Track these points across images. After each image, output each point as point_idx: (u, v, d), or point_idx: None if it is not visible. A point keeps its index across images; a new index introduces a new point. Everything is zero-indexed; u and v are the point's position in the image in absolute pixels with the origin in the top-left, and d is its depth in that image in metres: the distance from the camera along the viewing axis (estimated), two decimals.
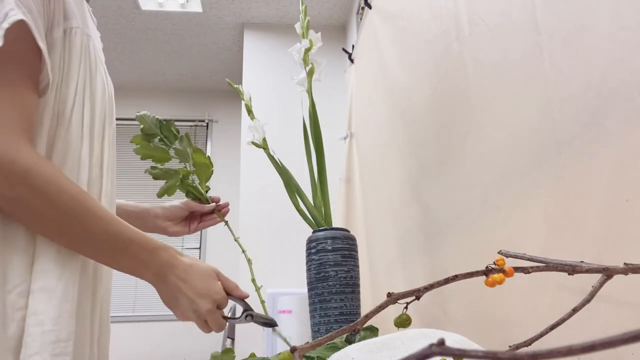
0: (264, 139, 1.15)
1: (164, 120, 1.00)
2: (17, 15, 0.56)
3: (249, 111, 1.20)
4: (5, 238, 0.58)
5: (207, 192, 0.99)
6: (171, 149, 0.96)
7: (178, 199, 0.98)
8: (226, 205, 1.01)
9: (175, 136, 0.99)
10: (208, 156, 1.01)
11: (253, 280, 0.95)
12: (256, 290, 0.94)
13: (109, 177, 0.72)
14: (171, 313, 0.72)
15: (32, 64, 0.60)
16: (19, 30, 0.57)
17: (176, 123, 1.02)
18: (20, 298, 0.57)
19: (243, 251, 0.98)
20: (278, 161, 1.12)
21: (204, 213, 0.98)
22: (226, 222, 1.01)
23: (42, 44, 0.59)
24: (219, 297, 0.70)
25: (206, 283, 0.69)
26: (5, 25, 0.55)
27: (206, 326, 0.70)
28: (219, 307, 0.71)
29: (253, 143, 1.15)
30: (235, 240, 1.00)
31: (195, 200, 0.98)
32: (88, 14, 0.75)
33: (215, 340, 2.89)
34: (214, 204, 0.98)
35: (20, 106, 0.57)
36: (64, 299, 0.59)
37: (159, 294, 0.69)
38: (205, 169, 0.99)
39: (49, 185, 0.57)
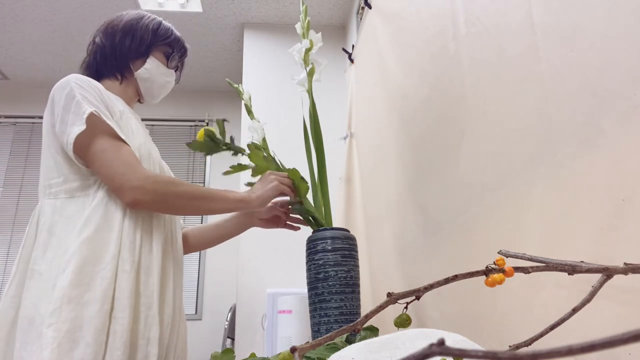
0: (264, 139, 1.15)
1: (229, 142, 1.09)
2: (89, 110, 0.95)
3: (249, 111, 1.20)
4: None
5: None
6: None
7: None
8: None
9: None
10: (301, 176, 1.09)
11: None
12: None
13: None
14: None
15: (109, 131, 0.97)
16: (92, 116, 0.95)
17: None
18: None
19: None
20: (278, 162, 1.12)
21: (285, 207, 1.18)
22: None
23: (108, 121, 0.97)
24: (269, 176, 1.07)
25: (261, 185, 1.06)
26: (85, 116, 0.94)
27: (283, 187, 1.05)
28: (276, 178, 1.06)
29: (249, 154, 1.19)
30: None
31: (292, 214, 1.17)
32: (128, 108, 1.12)
33: (215, 340, 2.89)
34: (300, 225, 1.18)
35: (122, 152, 0.97)
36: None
37: (256, 204, 1.04)
38: (304, 186, 1.09)
39: (169, 191, 0.99)
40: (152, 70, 1.15)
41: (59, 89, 0.99)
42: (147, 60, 1.15)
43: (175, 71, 1.22)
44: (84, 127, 0.93)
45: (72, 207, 0.96)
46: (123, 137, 0.98)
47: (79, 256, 0.89)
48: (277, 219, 1.18)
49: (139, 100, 1.21)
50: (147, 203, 0.96)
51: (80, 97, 0.96)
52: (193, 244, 1.23)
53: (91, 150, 0.95)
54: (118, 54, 1.13)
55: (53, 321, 0.83)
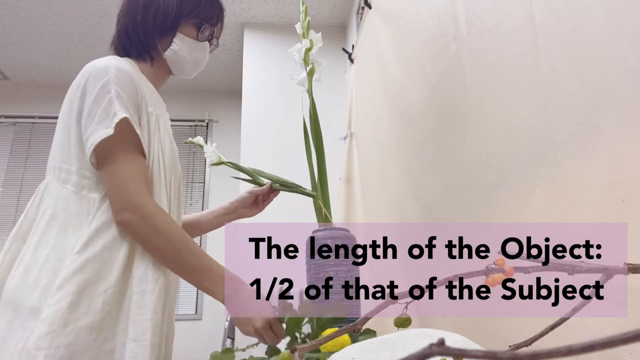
0: (219, 156, 1.37)
1: None
2: (121, 114, 0.86)
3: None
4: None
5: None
6: None
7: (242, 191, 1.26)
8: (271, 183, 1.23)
9: None
10: None
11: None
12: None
13: (173, 214, 0.98)
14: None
15: (136, 143, 0.89)
16: (124, 123, 0.86)
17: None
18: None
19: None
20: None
21: (264, 194, 1.22)
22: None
23: (138, 130, 0.89)
24: (269, 319, 0.86)
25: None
26: (116, 120, 0.85)
27: (264, 339, 0.87)
28: (271, 326, 0.86)
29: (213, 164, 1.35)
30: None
31: (255, 186, 1.23)
32: (157, 97, 1.03)
33: (215, 340, 2.89)
34: (268, 182, 1.21)
35: (140, 172, 0.88)
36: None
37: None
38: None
39: (164, 227, 0.86)
40: (181, 51, 1.03)
41: (95, 77, 0.88)
42: (174, 40, 1.02)
43: (210, 40, 1.09)
44: (111, 131, 0.84)
45: (77, 206, 0.87)
46: (145, 150, 0.91)
47: (81, 276, 0.81)
48: (257, 202, 1.22)
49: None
50: (133, 227, 0.85)
51: (114, 93, 0.87)
52: (204, 229, 1.23)
53: (110, 158, 0.87)
54: (141, 33, 1.00)
55: (45, 345, 0.76)
